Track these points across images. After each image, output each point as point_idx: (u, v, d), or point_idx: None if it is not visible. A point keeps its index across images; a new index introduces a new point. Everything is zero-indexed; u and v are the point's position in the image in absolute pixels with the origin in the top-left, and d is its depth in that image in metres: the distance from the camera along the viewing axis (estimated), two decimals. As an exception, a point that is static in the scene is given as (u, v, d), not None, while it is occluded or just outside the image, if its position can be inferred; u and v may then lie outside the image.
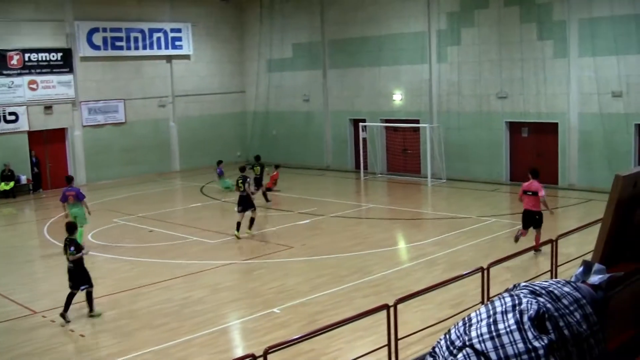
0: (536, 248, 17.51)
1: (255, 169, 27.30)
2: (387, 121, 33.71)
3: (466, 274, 13.12)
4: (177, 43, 37.84)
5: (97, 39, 34.73)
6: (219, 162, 31.43)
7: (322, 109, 36.93)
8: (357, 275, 17.11)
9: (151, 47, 36.83)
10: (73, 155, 34.58)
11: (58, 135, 34.23)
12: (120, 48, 35.73)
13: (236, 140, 40.40)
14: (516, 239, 18.25)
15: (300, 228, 23.03)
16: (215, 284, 17.07)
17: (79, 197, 21.18)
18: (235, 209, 22.37)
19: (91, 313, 15.13)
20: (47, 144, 33.93)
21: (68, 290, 14.90)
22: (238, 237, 21.53)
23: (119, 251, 21.14)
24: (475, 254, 18.48)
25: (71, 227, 15.58)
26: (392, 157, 33.81)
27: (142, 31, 36.42)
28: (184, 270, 18.24)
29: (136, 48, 36.27)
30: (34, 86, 32.89)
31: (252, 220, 21.95)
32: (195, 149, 38.80)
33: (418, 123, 32.02)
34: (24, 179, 32.73)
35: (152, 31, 36.80)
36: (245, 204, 21.73)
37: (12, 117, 32.57)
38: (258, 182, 26.98)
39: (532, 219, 18.15)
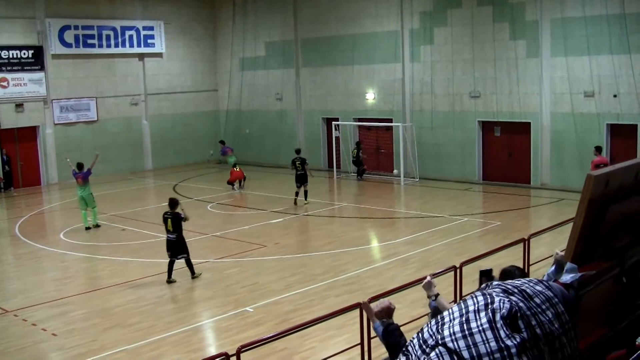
0: None
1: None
2: (360, 120, 33.77)
3: (439, 272, 13.15)
4: (149, 41, 37.64)
5: (69, 36, 34.43)
6: (222, 142, 34.64)
7: (295, 108, 36.92)
8: (330, 274, 17.13)
9: (123, 45, 36.57)
10: (44, 154, 34.24)
11: (29, 133, 33.89)
12: (92, 46, 35.44)
13: (209, 138, 40.22)
14: None
15: (272, 227, 22.98)
16: (188, 283, 17.01)
17: (85, 179, 23.67)
18: (296, 186, 26.49)
19: (193, 275, 17.08)
20: (19, 142, 33.61)
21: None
22: (296, 203, 26.15)
23: (91, 250, 21.01)
24: (448, 252, 18.58)
25: (173, 202, 17.23)
26: (365, 156, 33.82)
27: (114, 29, 36.16)
28: (157, 269, 18.13)
29: (108, 46, 36.00)
30: (4, 84, 32.51)
31: (306, 193, 26.48)
32: (168, 148, 38.64)
33: (391, 122, 32.10)
34: None
35: (124, 29, 36.56)
36: (303, 180, 26.30)
37: (-18, 115, 32.20)
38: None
39: None
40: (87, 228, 23.60)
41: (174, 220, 17.01)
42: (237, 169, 30.59)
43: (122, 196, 30.33)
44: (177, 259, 17.05)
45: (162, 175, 35.72)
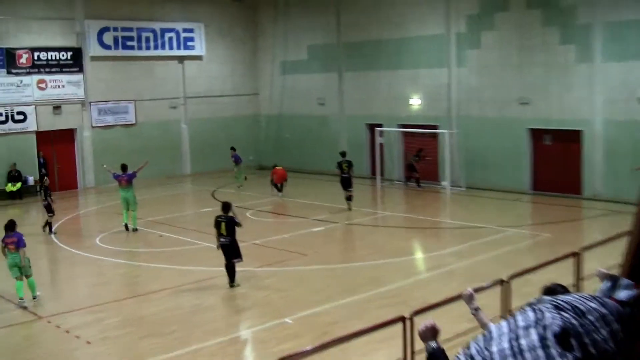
0: None
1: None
2: (404, 126, 33.61)
3: (485, 286, 13.00)
4: (189, 43, 37.97)
5: (108, 38, 34.92)
6: (233, 148, 34.04)
7: (338, 113, 36.89)
8: (372, 286, 17.02)
9: (162, 47, 36.96)
10: (82, 157, 34.74)
11: (67, 136, 34.42)
12: (131, 48, 35.89)
13: (249, 143, 40.37)
14: None
15: (313, 235, 23.01)
16: (226, 292, 17.07)
17: (130, 181, 24.17)
18: (343, 190, 26.73)
19: (232, 284, 17.16)
20: (56, 145, 34.13)
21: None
22: (350, 209, 26.32)
23: (128, 256, 21.25)
24: (495, 265, 18.29)
25: (226, 206, 17.49)
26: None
27: (153, 31, 36.56)
28: (193, 277, 18.24)
29: (147, 48, 36.42)
30: (42, 85, 33.09)
31: (350, 199, 26.49)
32: (206, 152, 38.81)
33: (436, 129, 31.92)
34: (31, 180, 32.93)
35: (163, 31, 36.94)
36: (349, 184, 26.51)
37: (20, 117, 32.78)
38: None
39: None
40: (126, 225, 24.05)
41: (228, 224, 17.18)
42: (280, 167, 30.88)
43: (159, 201, 30.66)
44: (234, 262, 17.24)
45: (200, 180, 35.94)
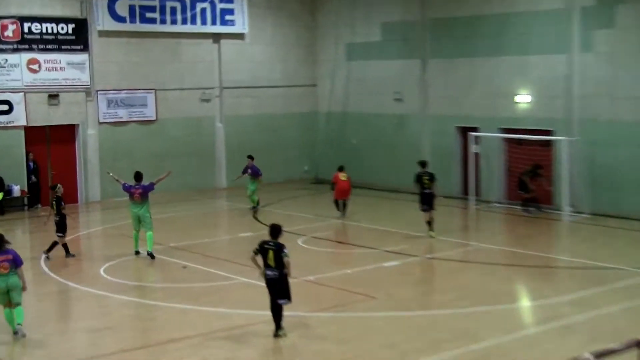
0: None
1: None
2: (507, 131, 33.35)
3: (617, 348, 12.63)
4: (227, 17, 38.24)
5: (122, 8, 35.35)
6: (251, 157, 33.20)
7: (420, 112, 36.87)
8: (462, 341, 16.78)
9: (193, 22, 37.30)
10: (84, 162, 35.11)
11: (65, 134, 34.88)
12: (152, 21, 36.30)
13: (303, 149, 40.63)
14: None
15: (384, 272, 22.83)
16: (269, 343, 16.92)
17: (145, 194, 24.29)
18: (420, 207, 27.17)
19: (278, 332, 16.89)
20: (51, 145, 34.51)
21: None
22: (432, 230, 26.85)
23: (140, 292, 21.27)
24: (629, 321, 17.94)
25: (276, 230, 17.19)
26: (515, 180, 33.26)
27: (181, 0, 36.84)
28: (227, 322, 18.19)
29: (173, 22, 36.80)
30: (35, 67, 33.50)
31: (431, 221, 26.85)
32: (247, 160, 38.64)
33: (551, 135, 31.65)
34: (16, 189, 33.26)
35: (194, 1, 37.31)
36: (431, 202, 26.82)
37: (4, 107, 33.16)
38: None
39: None
40: (137, 252, 24.26)
41: (277, 252, 16.92)
42: (344, 177, 30.46)
43: (185, 222, 30.77)
44: (280, 303, 17.01)
45: (239, 196, 35.63)
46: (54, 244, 24.51)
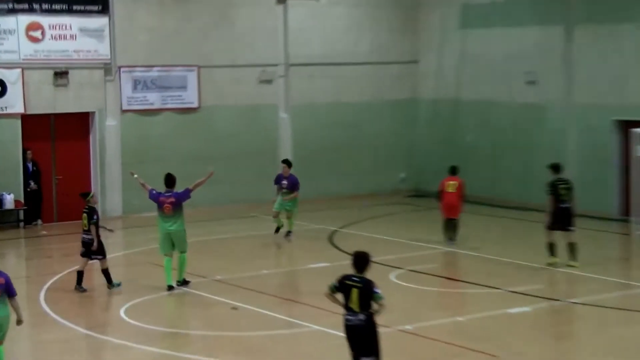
0: None
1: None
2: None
3: None
4: (297, -31, 38.03)
5: (155, -45, 35.48)
6: (287, 162, 32.41)
7: (562, 100, 36.54)
8: None
9: (249, -25, 37.38)
10: (101, 163, 35.08)
11: (76, 125, 34.98)
12: (191, -24, 36.51)
13: (398, 150, 40.74)
14: None
15: (510, 320, 22.25)
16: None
17: (179, 204, 24.21)
18: (548, 225, 26.97)
19: None
20: (56, 140, 34.44)
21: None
22: (575, 266, 26.50)
23: (173, 342, 20.96)
24: None
25: (362, 260, 16.53)
26: None
27: (235, -55, 36.98)
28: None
29: (222, -23, 36.90)
30: (36, 34, 33.40)
31: (573, 247, 26.63)
32: (322, 162, 38.82)
33: None
34: (9, 200, 33.22)
35: (253, -54, 37.41)
36: (568, 220, 26.58)
37: (-4, 88, 33.45)
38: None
39: None
40: (170, 287, 24.14)
41: (364, 292, 16.19)
42: (453, 188, 29.73)
43: (236, 247, 30.86)
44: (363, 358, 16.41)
45: (312, 212, 35.59)
46: (80, 274, 24.47)
